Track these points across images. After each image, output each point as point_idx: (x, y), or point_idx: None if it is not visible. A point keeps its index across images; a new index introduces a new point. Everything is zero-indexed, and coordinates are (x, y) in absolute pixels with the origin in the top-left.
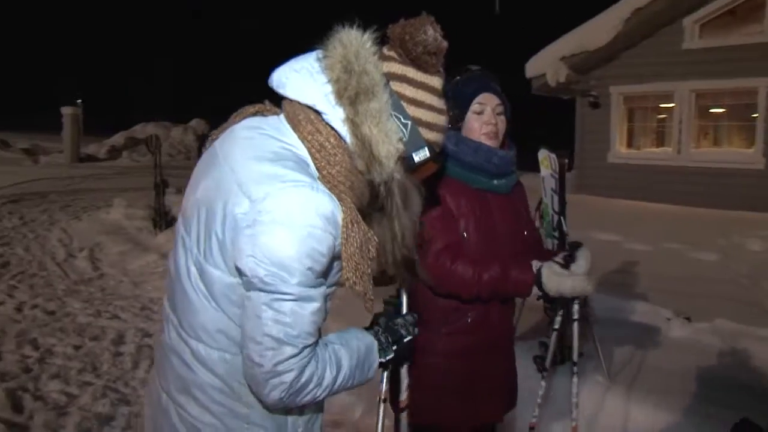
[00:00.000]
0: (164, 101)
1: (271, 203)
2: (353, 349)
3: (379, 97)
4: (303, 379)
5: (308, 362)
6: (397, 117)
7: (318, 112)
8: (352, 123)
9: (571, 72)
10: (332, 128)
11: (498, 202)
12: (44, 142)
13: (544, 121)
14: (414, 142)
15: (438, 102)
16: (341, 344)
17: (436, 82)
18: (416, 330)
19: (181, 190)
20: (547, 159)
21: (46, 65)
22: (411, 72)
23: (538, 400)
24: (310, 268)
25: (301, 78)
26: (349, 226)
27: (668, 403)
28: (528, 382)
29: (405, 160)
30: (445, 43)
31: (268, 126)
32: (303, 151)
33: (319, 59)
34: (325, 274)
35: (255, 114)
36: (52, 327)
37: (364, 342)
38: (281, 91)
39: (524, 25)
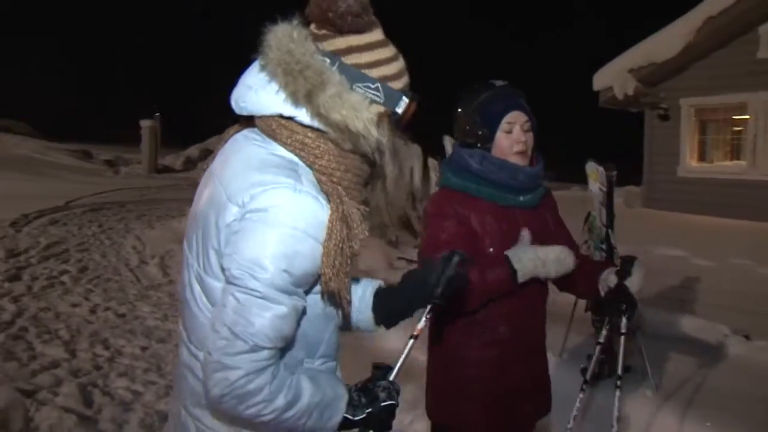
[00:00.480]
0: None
1: (254, 205)
2: (320, 388)
3: (332, 82)
4: (251, 386)
5: (262, 370)
6: (364, 87)
7: (287, 117)
8: (320, 116)
9: (639, 84)
10: (306, 126)
11: (525, 217)
12: (126, 154)
13: (611, 135)
14: (390, 97)
15: (390, 51)
16: (309, 378)
17: (378, 33)
18: (398, 397)
19: None
20: (595, 172)
21: (128, 79)
22: (353, 40)
23: (575, 412)
24: (285, 270)
25: (256, 94)
26: (334, 224)
27: (719, 422)
28: (575, 395)
29: (391, 116)
30: None
31: (256, 134)
32: (289, 154)
33: (262, 67)
34: (303, 284)
35: (239, 131)
36: (122, 329)
37: (333, 389)
38: (245, 113)
39: (592, 37)
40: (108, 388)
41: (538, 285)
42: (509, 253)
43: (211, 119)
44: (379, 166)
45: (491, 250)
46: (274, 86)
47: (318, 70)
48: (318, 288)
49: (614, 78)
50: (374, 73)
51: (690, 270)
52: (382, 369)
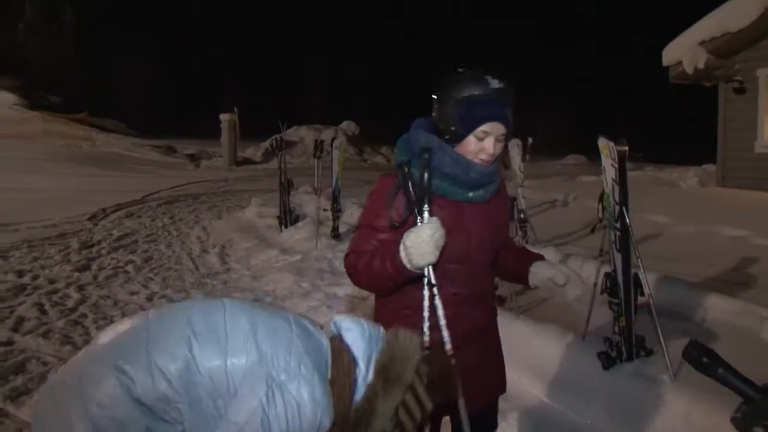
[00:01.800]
0: (319, 104)
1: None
2: None
3: (396, 395)
4: None
5: None
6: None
7: (355, 362)
8: (372, 389)
9: (711, 57)
10: (355, 380)
11: (472, 211)
12: (210, 147)
13: (684, 111)
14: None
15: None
16: None
17: None
18: None
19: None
20: (606, 148)
21: (209, 74)
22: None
23: None
24: None
25: (359, 335)
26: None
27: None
28: (592, 379)
29: None
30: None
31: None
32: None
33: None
34: None
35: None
36: None
37: None
38: (342, 333)
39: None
40: None
41: (487, 271)
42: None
43: (289, 111)
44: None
45: None
46: (373, 353)
47: (403, 382)
48: None
49: (684, 51)
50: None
51: (748, 250)
52: None
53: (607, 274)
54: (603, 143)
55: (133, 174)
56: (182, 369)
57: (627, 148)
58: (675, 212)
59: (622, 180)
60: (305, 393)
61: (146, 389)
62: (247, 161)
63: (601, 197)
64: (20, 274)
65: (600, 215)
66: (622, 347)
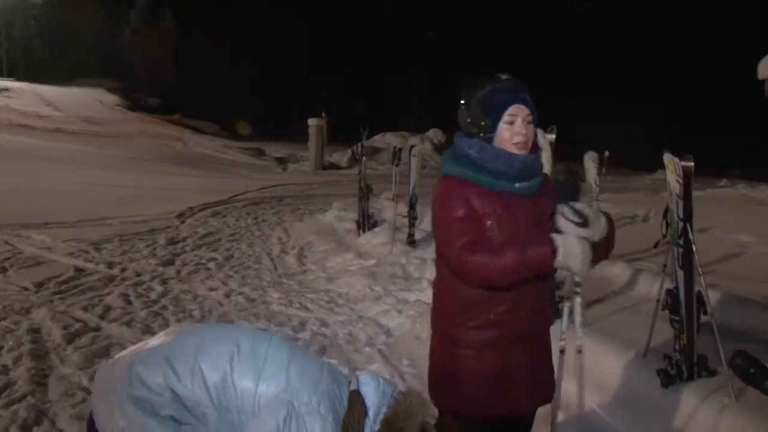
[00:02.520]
0: (414, 112)
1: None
2: None
3: None
4: None
5: None
6: None
7: (366, 412)
8: None
9: None
10: (363, 428)
11: (521, 204)
12: (299, 152)
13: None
14: None
15: None
16: None
17: None
18: None
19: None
20: (672, 163)
21: (303, 80)
22: None
23: None
24: None
25: (374, 389)
26: None
27: None
28: (650, 397)
29: None
30: None
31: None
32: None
33: None
34: None
35: None
36: (248, 312)
37: None
38: (360, 385)
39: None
40: None
41: None
42: (561, 239)
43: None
44: None
45: (488, 232)
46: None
47: None
48: None
49: None
50: None
51: None
52: None
53: (668, 291)
54: (668, 159)
55: (221, 175)
56: (219, 379)
57: (693, 164)
58: (761, 231)
59: (686, 196)
60: (318, 427)
61: (185, 386)
62: (333, 166)
63: (666, 213)
64: (110, 265)
65: (663, 231)
66: (682, 366)
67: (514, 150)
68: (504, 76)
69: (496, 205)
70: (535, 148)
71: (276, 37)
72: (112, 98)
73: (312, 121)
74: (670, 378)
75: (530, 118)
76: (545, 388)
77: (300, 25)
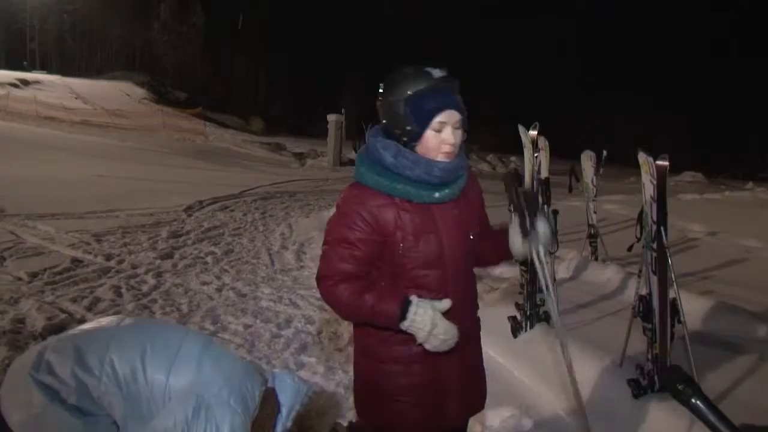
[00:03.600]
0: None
1: None
2: None
3: None
4: None
5: None
6: None
7: (279, 409)
8: None
9: None
10: (275, 425)
11: (443, 212)
12: (320, 147)
13: None
14: None
15: None
16: None
17: None
18: None
19: None
20: (646, 163)
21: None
22: None
23: None
24: None
25: (288, 387)
26: None
27: None
28: (621, 407)
29: None
30: None
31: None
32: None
33: None
34: None
35: None
36: (236, 307)
37: None
38: (275, 383)
39: None
40: None
41: (464, 275)
42: (414, 300)
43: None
44: None
45: (402, 245)
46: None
47: None
48: None
49: None
50: None
51: None
52: None
53: (641, 298)
54: (642, 158)
55: (237, 169)
56: (129, 370)
57: (667, 163)
58: None
59: (660, 198)
60: (227, 420)
61: (93, 376)
62: (352, 162)
63: (640, 216)
64: (108, 257)
65: (637, 234)
66: (654, 376)
67: (441, 158)
68: (437, 73)
69: (414, 217)
70: (459, 151)
71: (303, 35)
72: (139, 91)
73: (331, 117)
74: (641, 388)
75: (459, 123)
76: (477, 398)
77: (327, 23)
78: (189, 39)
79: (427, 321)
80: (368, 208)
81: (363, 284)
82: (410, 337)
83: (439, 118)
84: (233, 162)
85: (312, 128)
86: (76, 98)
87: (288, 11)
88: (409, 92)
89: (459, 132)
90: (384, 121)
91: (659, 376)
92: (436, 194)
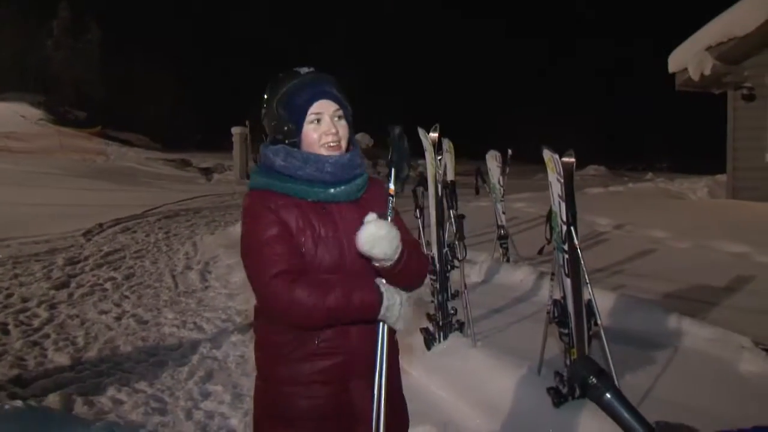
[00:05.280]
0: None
1: None
2: None
3: None
4: None
5: None
6: None
7: None
8: None
9: (718, 63)
10: None
11: (343, 212)
12: (227, 161)
13: (692, 121)
14: None
15: None
16: None
17: None
18: None
19: None
20: (551, 161)
21: (229, 88)
22: None
23: None
24: None
25: None
26: None
27: None
28: (541, 417)
29: None
30: None
31: None
32: None
33: None
34: None
35: None
36: (137, 336)
37: None
38: None
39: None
40: (92, 398)
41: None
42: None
43: None
44: None
45: (303, 248)
46: None
47: None
48: None
49: (690, 57)
50: None
51: (745, 268)
52: None
53: (555, 302)
54: (548, 156)
55: (140, 188)
56: None
57: (574, 160)
58: (675, 226)
59: (569, 196)
60: None
61: None
62: None
63: (549, 216)
64: None
65: (547, 236)
66: (574, 383)
67: (324, 152)
68: (304, 70)
69: (312, 218)
70: (353, 147)
71: (208, 49)
72: (35, 112)
73: (236, 130)
74: (561, 396)
75: (340, 113)
76: (398, 426)
77: (233, 36)
78: (85, 55)
79: (396, 298)
80: (272, 206)
81: (313, 277)
82: (311, 353)
83: (312, 110)
84: (137, 181)
85: (219, 142)
86: None
87: (193, 24)
88: (281, 92)
89: (342, 123)
90: (268, 129)
91: (569, 368)
92: (332, 190)
